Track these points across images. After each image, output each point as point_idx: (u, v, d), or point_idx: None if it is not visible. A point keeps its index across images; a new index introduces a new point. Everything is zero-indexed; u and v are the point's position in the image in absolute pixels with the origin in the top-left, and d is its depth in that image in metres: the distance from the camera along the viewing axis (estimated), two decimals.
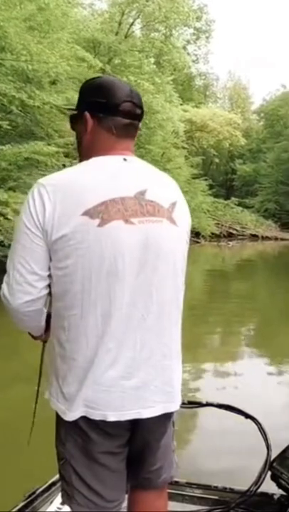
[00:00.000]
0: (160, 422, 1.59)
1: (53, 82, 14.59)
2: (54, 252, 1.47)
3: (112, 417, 1.49)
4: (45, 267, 1.50)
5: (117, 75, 20.86)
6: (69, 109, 1.77)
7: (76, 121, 1.65)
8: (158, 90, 21.52)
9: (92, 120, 1.58)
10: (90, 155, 1.58)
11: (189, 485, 2.56)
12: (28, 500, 2.35)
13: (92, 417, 1.50)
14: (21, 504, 2.31)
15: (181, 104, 27.55)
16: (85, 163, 1.58)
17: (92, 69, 16.56)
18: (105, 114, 1.56)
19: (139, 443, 1.62)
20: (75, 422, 1.52)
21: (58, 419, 1.59)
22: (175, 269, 1.58)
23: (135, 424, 1.56)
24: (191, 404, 2.58)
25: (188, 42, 36.86)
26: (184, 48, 32.98)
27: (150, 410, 1.54)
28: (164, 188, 1.60)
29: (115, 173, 1.52)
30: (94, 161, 1.55)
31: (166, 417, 1.61)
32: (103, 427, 1.52)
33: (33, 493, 2.40)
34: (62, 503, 2.24)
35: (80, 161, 1.64)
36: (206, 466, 3.60)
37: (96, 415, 1.49)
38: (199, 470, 3.35)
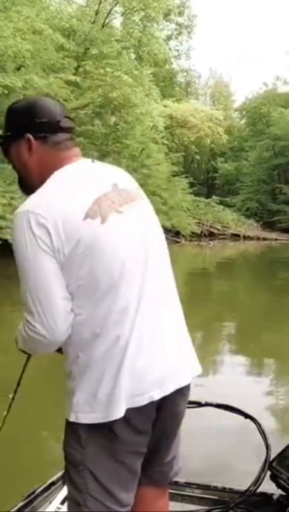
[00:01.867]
0: (182, 398, 1.65)
1: (19, 68, 13.66)
2: (70, 264, 1.48)
3: (157, 395, 1.53)
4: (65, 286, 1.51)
5: (95, 66, 20.05)
6: None
7: (11, 144, 1.65)
8: (137, 83, 20.73)
9: (35, 141, 1.60)
10: (43, 174, 1.60)
11: (188, 485, 2.56)
12: (28, 500, 2.35)
13: (139, 404, 1.51)
14: (20, 504, 2.32)
15: (161, 99, 26.87)
16: (55, 176, 1.58)
17: (63, 52, 15.50)
18: (48, 133, 1.60)
19: (157, 432, 1.62)
20: (99, 424, 1.50)
21: (74, 425, 1.55)
22: (163, 238, 1.72)
23: (159, 410, 1.58)
24: (190, 404, 2.46)
25: (169, 37, 36.30)
26: (166, 41, 32.33)
27: (185, 377, 1.63)
28: (123, 176, 1.71)
29: (90, 174, 1.62)
30: (64, 172, 1.59)
31: (186, 391, 1.67)
32: (133, 423, 1.53)
33: (33, 493, 2.40)
34: (62, 503, 2.30)
35: (29, 185, 1.65)
36: (205, 466, 3.53)
37: (143, 399, 1.52)
38: (198, 470, 3.26)
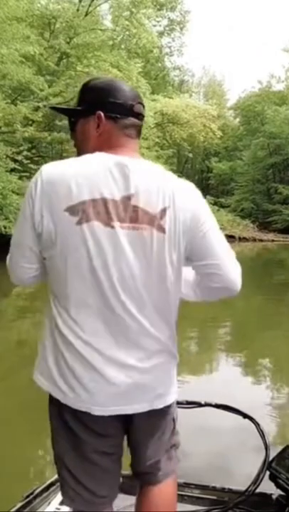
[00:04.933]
0: (153, 418, 1.68)
1: None
2: (41, 243, 1.55)
3: (97, 411, 1.56)
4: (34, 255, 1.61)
5: (79, 56, 18.93)
6: (67, 108, 1.77)
7: (79, 119, 1.65)
8: (124, 75, 19.58)
9: (105, 120, 1.59)
10: (98, 151, 1.58)
11: (187, 485, 2.56)
12: (27, 500, 2.37)
13: (82, 410, 1.57)
14: (19, 504, 2.34)
15: (150, 93, 25.81)
16: (86, 157, 1.56)
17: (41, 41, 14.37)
18: (121, 114, 1.60)
19: (132, 439, 1.71)
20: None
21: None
22: (158, 275, 1.57)
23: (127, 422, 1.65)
24: (189, 404, 2.53)
25: (162, 34, 35.74)
26: (158, 37, 31.48)
27: (135, 405, 1.62)
28: (156, 193, 1.55)
29: (108, 173, 1.52)
30: (93, 158, 1.55)
31: (157, 413, 1.67)
32: (89, 425, 1.59)
33: (32, 493, 2.42)
34: (61, 504, 2.35)
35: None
36: (204, 466, 3.53)
37: (83, 407, 1.57)
38: (197, 470, 3.23)
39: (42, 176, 1.51)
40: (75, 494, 1.64)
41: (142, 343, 1.57)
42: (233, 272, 1.62)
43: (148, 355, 1.58)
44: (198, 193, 1.66)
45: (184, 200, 1.58)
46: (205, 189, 44.84)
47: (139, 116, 1.63)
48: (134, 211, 1.51)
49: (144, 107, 1.66)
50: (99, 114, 1.58)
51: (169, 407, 1.70)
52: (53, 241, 1.50)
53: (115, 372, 1.53)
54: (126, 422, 1.64)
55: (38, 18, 17.76)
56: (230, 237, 32.15)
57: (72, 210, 1.47)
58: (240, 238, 32.16)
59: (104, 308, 1.52)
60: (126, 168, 1.53)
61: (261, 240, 32.35)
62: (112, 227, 1.49)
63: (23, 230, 1.56)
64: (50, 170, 1.53)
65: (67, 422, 1.60)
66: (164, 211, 1.54)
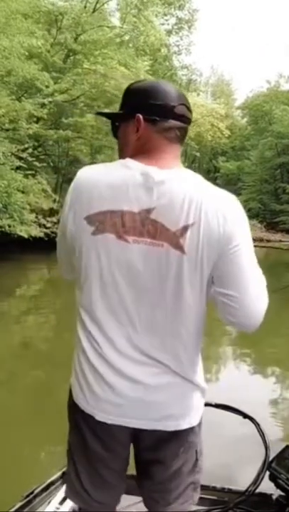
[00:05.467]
0: (161, 442, 1.61)
1: None
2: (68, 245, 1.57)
3: (100, 417, 1.57)
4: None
5: (86, 54, 18.75)
6: (109, 113, 1.71)
7: (121, 122, 1.60)
8: (131, 73, 19.40)
9: (144, 123, 1.52)
10: (135, 156, 1.53)
11: None
12: (26, 500, 2.37)
13: (89, 412, 1.58)
14: (19, 504, 2.33)
15: None
16: (115, 164, 1.53)
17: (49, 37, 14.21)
18: (160, 116, 1.52)
19: (140, 458, 1.67)
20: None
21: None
22: (173, 296, 1.47)
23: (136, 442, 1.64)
24: None
25: (170, 32, 35.54)
26: (166, 36, 31.27)
27: (139, 420, 1.58)
28: (180, 208, 1.43)
29: (131, 184, 1.46)
30: (121, 166, 1.51)
31: (168, 437, 1.60)
32: (98, 433, 1.60)
33: (31, 492, 2.42)
34: (61, 503, 2.37)
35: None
36: (204, 466, 2.96)
37: (89, 410, 1.58)
38: None
39: (75, 181, 1.53)
40: (75, 492, 1.68)
41: (150, 361, 1.52)
42: (253, 309, 1.48)
43: (157, 372, 1.52)
44: (237, 210, 1.50)
45: (215, 219, 1.44)
46: None
47: (182, 118, 1.54)
48: (153, 226, 1.44)
49: (189, 108, 1.57)
50: (138, 116, 1.52)
51: (186, 433, 1.60)
52: (74, 247, 1.52)
53: (122, 384, 1.52)
54: (135, 438, 1.61)
55: (44, 14, 17.55)
56: None
57: (90, 219, 1.46)
58: None
59: (111, 322, 1.50)
60: (151, 179, 1.46)
61: (269, 241, 32.04)
62: (126, 240, 1.44)
63: (60, 232, 1.60)
64: (81, 175, 1.53)
65: (78, 423, 1.62)
66: (185, 228, 1.43)
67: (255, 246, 1.54)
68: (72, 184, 1.53)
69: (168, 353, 1.52)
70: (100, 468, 1.62)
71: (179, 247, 1.43)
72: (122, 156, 1.59)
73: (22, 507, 2.34)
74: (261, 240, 32.20)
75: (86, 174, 1.53)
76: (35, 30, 14.34)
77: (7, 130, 14.02)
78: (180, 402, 1.57)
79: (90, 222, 1.46)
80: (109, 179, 1.47)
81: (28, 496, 2.40)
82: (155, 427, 1.56)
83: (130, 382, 1.51)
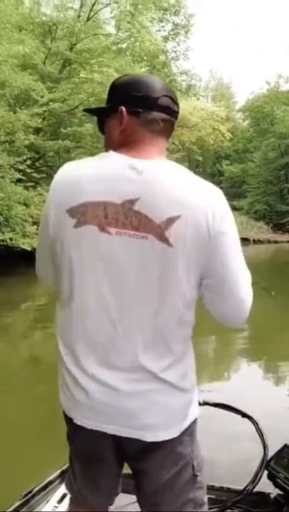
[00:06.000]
0: (144, 453, 1.54)
1: None
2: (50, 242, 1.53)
3: (78, 421, 1.55)
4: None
5: (82, 63, 18.67)
6: (94, 109, 1.72)
7: (106, 117, 1.58)
8: None
9: (128, 115, 1.51)
10: (119, 150, 1.51)
11: None
12: (25, 499, 2.37)
13: (69, 415, 1.57)
14: (18, 503, 2.34)
15: None
16: (99, 157, 1.52)
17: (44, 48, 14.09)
18: (143, 108, 1.50)
19: (137, 472, 1.63)
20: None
21: None
22: (158, 290, 1.41)
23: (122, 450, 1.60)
24: None
25: (166, 38, 35.45)
26: (163, 42, 31.21)
27: (119, 427, 1.53)
28: (166, 199, 1.40)
29: (115, 176, 1.43)
30: (105, 158, 1.50)
31: (149, 448, 1.52)
32: (81, 436, 1.58)
33: (30, 492, 2.42)
34: (59, 502, 2.38)
35: None
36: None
37: (70, 413, 1.57)
38: None
39: (56, 177, 1.51)
40: (71, 489, 1.70)
41: (128, 365, 1.45)
42: (238, 300, 1.47)
43: (134, 378, 1.45)
44: (224, 205, 1.47)
45: (202, 213, 1.40)
46: None
47: (167, 110, 1.51)
48: (136, 217, 1.40)
49: (174, 101, 1.53)
50: (121, 109, 1.50)
51: (170, 444, 1.51)
52: (56, 242, 1.48)
53: (94, 388, 1.47)
54: (119, 445, 1.55)
55: (38, 25, 17.51)
56: (244, 240, 31.91)
57: (71, 212, 1.43)
58: (254, 240, 31.99)
59: (84, 317, 1.47)
60: (134, 170, 1.43)
61: (276, 242, 31.96)
62: (108, 232, 1.41)
63: (42, 229, 1.56)
64: (64, 169, 1.52)
65: (68, 426, 1.61)
66: (170, 221, 1.39)
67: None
68: (54, 180, 1.50)
69: (151, 355, 1.45)
70: (88, 469, 1.62)
71: (165, 240, 1.38)
72: (107, 150, 1.56)
73: (21, 506, 2.34)
74: (269, 241, 32.11)
75: (67, 169, 1.51)
76: (24, 39, 14.25)
77: (4, 142, 13.90)
78: (161, 410, 1.49)
79: (72, 215, 1.42)
80: (90, 172, 1.45)
81: (26, 495, 2.39)
82: (133, 436, 1.48)
83: (103, 387, 1.46)
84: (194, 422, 1.59)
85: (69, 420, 1.56)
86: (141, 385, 1.45)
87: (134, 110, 1.49)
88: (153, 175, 1.42)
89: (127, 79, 1.57)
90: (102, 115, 1.60)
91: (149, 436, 1.48)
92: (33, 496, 2.42)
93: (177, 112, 1.56)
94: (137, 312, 1.42)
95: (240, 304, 1.47)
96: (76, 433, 1.57)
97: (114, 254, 1.40)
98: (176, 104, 1.55)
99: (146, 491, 1.58)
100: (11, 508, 2.31)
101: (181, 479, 1.55)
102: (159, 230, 1.38)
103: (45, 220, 1.51)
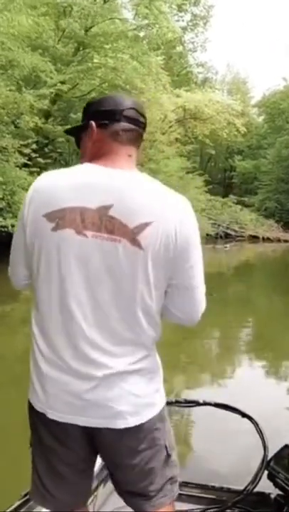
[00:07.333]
0: (119, 438, 1.61)
1: None
2: (26, 248, 1.62)
3: (50, 415, 1.61)
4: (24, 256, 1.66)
5: (96, 47, 18.19)
6: (71, 128, 1.85)
7: (81, 134, 1.71)
8: (144, 67, 18.80)
9: (97, 128, 1.64)
10: (93, 161, 1.63)
11: (186, 484, 2.54)
12: (25, 499, 2.36)
13: (40, 410, 1.62)
14: (18, 503, 2.34)
15: (173, 90, 25.07)
16: (74, 167, 1.63)
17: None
18: (110, 120, 1.62)
19: (106, 460, 1.72)
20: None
21: None
22: (127, 290, 1.54)
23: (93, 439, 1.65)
24: (188, 403, 2.58)
25: (185, 29, 34.99)
26: (181, 33, 30.69)
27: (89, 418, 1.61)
28: (138, 206, 1.53)
29: (91, 183, 1.54)
30: (81, 168, 1.61)
31: (122, 434, 1.61)
32: (51, 429, 1.63)
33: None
34: None
35: None
36: (202, 465, 3.54)
37: (42, 409, 1.63)
38: (196, 469, 3.34)
39: (34, 184, 1.60)
40: (40, 495, 1.70)
41: (102, 357, 1.54)
42: (192, 300, 1.63)
43: (102, 371, 1.54)
44: (190, 215, 1.60)
45: (172, 221, 1.54)
46: (228, 188, 45.30)
47: (133, 121, 1.63)
48: (110, 222, 1.50)
49: (141, 114, 1.66)
50: (91, 123, 1.64)
51: (142, 428, 1.60)
52: (33, 246, 1.56)
53: (67, 380, 1.55)
54: (90, 437, 1.62)
55: (53, 6, 16.97)
56: (253, 237, 31.61)
57: (49, 216, 1.52)
58: (263, 238, 31.51)
59: (60, 314, 1.55)
60: (108, 179, 1.54)
61: (286, 241, 31.45)
62: (85, 235, 1.50)
63: (18, 233, 1.63)
64: (40, 179, 1.62)
65: (34, 421, 1.65)
66: (142, 226, 1.51)
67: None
68: (31, 188, 1.59)
69: (120, 349, 1.56)
70: (58, 464, 1.65)
71: (137, 244, 1.49)
72: (82, 163, 1.66)
73: (21, 506, 2.35)
74: (278, 240, 31.58)
75: (45, 179, 1.61)
76: (33, 14, 13.75)
77: (7, 124, 13.40)
78: (130, 398, 1.58)
79: (50, 219, 1.51)
80: (66, 182, 1.55)
81: (26, 494, 2.38)
82: (104, 426, 1.57)
83: (73, 379, 1.54)
84: (163, 407, 1.67)
85: (39, 415, 1.61)
86: (109, 377, 1.54)
87: (102, 123, 1.61)
88: (125, 184, 1.53)
89: (98, 98, 1.72)
90: (78, 132, 1.71)
91: (121, 424, 1.56)
92: None
93: (144, 124, 1.67)
94: (108, 309, 1.52)
95: (198, 305, 1.63)
96: (47, 426, 1.61)
97: (89, 256, 1.50)
98: (143, 116, 1.66)
99: (124, 478, 1.67)
100: (11, 508, 2.32)
101: (159, 462, 1.65)
102: (131, 235, 1.49)
103: (21, 224, 1.59)
